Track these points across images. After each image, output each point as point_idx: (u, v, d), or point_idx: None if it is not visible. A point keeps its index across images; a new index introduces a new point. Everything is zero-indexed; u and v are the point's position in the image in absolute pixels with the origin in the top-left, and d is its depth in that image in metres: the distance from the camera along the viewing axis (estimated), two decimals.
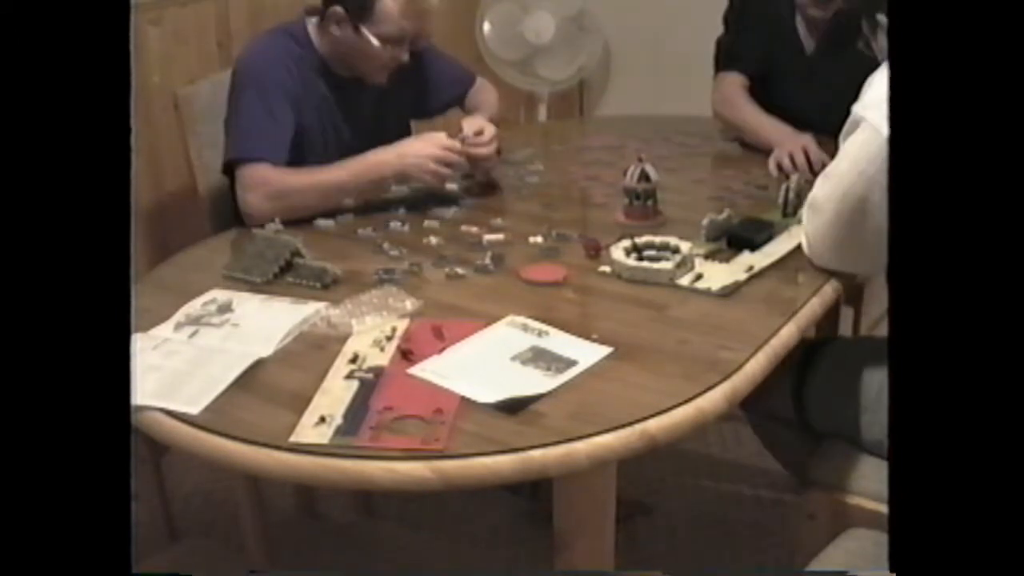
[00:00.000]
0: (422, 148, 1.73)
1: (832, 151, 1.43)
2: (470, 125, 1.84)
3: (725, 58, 2.20)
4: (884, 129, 1.26)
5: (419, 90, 2.03)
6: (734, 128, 2.13)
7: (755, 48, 2.13)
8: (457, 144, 1.76)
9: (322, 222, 1.71)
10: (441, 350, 1.23)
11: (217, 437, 1.08)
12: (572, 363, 1.19)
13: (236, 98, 1.80)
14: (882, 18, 1.42)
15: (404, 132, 2.03)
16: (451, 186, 1.87)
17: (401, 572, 1.97)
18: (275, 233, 1.61)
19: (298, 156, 1.79)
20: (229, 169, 1.77)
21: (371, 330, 1.29)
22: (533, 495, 2.00)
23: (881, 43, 1.44)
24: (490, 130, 1.84)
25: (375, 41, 1.77)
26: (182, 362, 1.22)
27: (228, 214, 1.86)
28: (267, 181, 1.70)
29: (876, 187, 1.28)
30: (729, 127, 2.15)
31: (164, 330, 1.31)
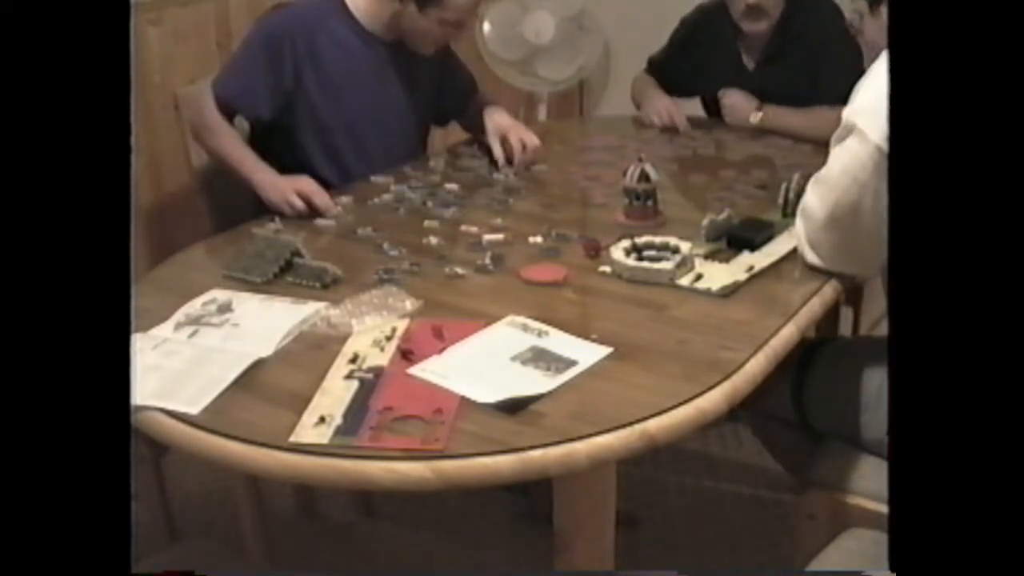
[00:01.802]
0: (285, 184, 1.79)
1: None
2: (517, 138, 2.02)
3: (648, 64, 2.48)
4: (874, 135, 1.26)
5: (441, 80, 2.12)
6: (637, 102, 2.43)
7: (680, 68, 2.40)
8: (311, 190, 1.79)
9: (322, 222, 1.71)
10: (441, 350, 1.23)
11: (217, 437, 1.08)
12: (572, 363, 1.19)
13: (247, 40, 1.93)
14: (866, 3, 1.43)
15: (429, 109, 2.11)
16: (451, 186, 1.88)
17: (401, 572, 1.97)
18: (275, 233, 1.61)
19: (309, 110, 1.91)
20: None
21: (371, 330, 1.29)
22: (523, 492, 2.00)
23: (868, 31, 1.44)
24: (533, 141, 2.03)
25: (436, 24, 1.89)
26: (182, 362, 1.22)
27: (228, 214, 1.87)
28: (202, 115, 1.87)
29: (868, 193, 1.29)
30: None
31: (164, 330, 1.31)
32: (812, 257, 1.44)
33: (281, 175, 1.80)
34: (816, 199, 1.39)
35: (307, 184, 1.78)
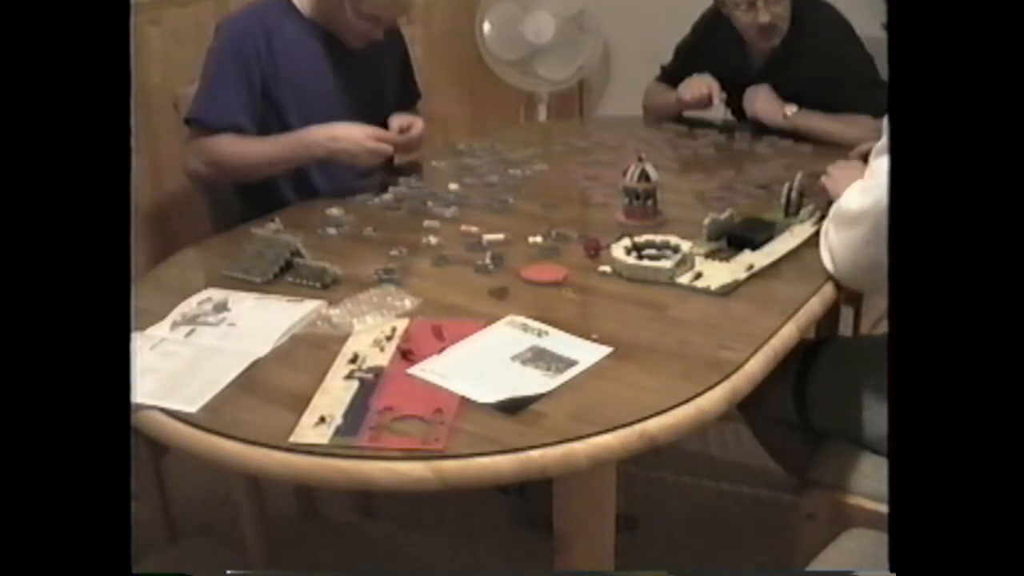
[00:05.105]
0: (354, 131, 1.80)
1: None
2: (397, 120, 1.93)
3: (660, 72, 2.46)
4: None
5: (399, 79, 2.10)
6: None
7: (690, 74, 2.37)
8: (388, 133, 1.85)
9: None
10: (441, 350, 1.23)
11: (216, 437, 1.08)
12: (572, 363, 1.18)
13: (212, 56, 1.86)
14: None
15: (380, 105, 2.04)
16: (451, 186, 1.88)
17: (401, 572, 1.97)
18: (275, 233, 1.61)
19: (279, 119, 1.85)
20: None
21: (371, 330, 1.29)
22: (521, 493, 2.00)
23: None
24: (418, 126, 1.93)
25: (353, 15, 1.83)
26: (180, 363, 1.21)
27: (228, 214, 1.86)
28: (203, 150, 1.82)
29: None
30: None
31: (160, 329, 1.31)
32: (847, 268, 1.39)
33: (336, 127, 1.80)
34: (858, 206, 1.33)
35: (375, 130, 1.81)
